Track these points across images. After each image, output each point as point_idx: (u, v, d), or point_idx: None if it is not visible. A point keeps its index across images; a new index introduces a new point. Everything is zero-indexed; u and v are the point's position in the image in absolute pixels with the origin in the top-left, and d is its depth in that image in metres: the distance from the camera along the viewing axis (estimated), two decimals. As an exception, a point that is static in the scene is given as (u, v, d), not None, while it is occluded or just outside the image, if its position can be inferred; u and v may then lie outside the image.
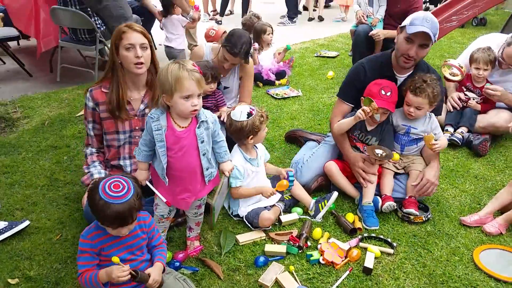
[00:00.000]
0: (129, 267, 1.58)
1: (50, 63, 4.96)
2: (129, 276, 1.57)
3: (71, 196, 2.60)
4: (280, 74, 4.73)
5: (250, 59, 3.12)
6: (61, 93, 4.27)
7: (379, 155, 2.42)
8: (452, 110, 3.39)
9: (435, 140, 2.42)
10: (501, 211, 2.44)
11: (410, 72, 2.55)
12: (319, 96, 4.37)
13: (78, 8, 4.25)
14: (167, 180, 1.93)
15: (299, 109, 4.05)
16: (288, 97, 4.32)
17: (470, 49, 3.52)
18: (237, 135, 2.33)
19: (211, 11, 8.11)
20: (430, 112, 2.55)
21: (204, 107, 3.05)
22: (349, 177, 2.65)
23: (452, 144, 3.23)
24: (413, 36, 2.35)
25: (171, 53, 4.83)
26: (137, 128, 2.27)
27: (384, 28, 4.41)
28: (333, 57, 5.70)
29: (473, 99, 3.35)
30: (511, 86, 3.25)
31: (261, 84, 4.64)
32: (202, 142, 1.93)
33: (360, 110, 2.38)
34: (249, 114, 2.29)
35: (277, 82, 4.67)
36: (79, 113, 3.72)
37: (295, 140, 3.32)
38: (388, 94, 2.40)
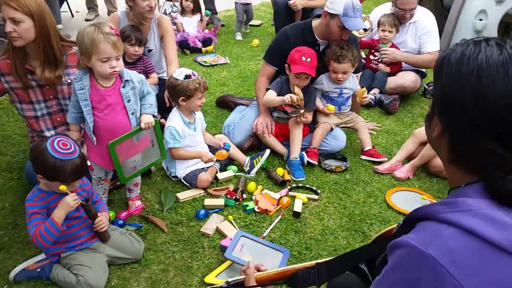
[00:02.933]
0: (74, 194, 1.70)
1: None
2: (79, 202, 1.70)
3: (3, 166, 2.54)
4: (206, 42, 4.79)
5: (166, 16, 3.19)
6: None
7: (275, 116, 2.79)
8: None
9: None
10: (408, 159, 2.82)
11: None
12: (245, 63, 4.52)
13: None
14: (94, 139, 1.99)
15: (227, 76, 4.18)
16: (216, 64, 4.42)
17: (371, 16, 3.87)
18: (171, 91, 2.45)
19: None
20: (353, 72, 2.84)
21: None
22: (277, 136, 2.88)
23: (366, 104, 3.60)
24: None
25: None
26: (51, 97, 2.21)
27: (302, -4, 4.64)
28: (257, 26, 5.86)
29: (382, 60, 3.72)
30: (408, 44, 3.66)
31: (188, 52, 4.68)
32: (129, 101, 2.00)
33: (288, 96, 2.58)
34: (187, 77, 2.40)
35: (203, 49, 4.73)
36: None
37: (226, 105, 3.47)
38: (309, 60, 2.62)
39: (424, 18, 3.62)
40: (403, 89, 3.67)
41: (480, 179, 0.85)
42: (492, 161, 0.83)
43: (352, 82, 2.89)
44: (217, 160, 2.62)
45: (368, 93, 3.63)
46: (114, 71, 1.89)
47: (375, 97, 3.63)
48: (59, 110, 2.23)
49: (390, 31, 3.58)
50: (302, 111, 2.66)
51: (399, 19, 3.57)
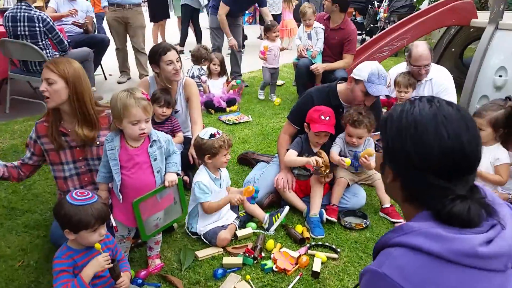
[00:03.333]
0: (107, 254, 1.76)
1: (-2, 95, 4.93)
2: (110, 261, 1.75)
3: (31, 224, 2.65)
4: (230, 102, 5.00)
5: (192, 80, 3.41)
6: (12, 124, 4.26)
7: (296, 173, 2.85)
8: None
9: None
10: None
11: None
12: (267, 121, 4.66)
13: (29, 41, 4.31)
14: (121, 196, 2.07)
15: (249, 133, 4.31)
16: (239, 123, 4.58)
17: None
18: (197, 150, 2.56)
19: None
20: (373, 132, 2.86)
21: (160, 133, 3.26)
22: (297, 192, 2.90)
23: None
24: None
25: None
26: (80, 158, 2.33)
27: (323, 58, 4.83)
28: (280, 85, 6.08)
29: None
30: None
31: (213, 111, 4.88)
32: (155, 160, 2.11)
33: (313, 159, 2.64)
34: (212, 135, 2.51)
35: (228, 109, 4.93)
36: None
37: (247, 162, 3.55)
38: (328, 118, 2.71)
39: (440, 75, 3.67)
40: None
41: (427, 208, 1.03)
42: (436, 192, 1.00)
43: (366, 146, 2.89)
44: (237, 217, 2.66)
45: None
46: (143, 133, 2.03)
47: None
48: (87, 171, 2.36)
49: (405, 92, 3.61)
50: (326, 172, 2.69)
51: (415, 76, 3.62)
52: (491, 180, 2.57)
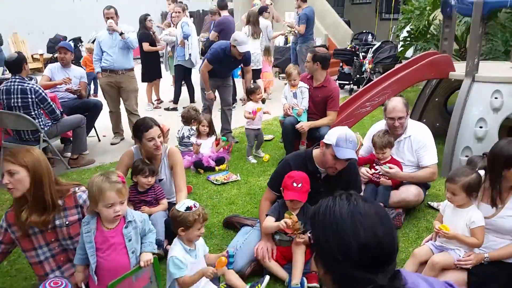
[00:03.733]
0: None
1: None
2: None
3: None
4: (219, 160, 5.09)
5: (175, 148, 3.51)
6: (2, 194, 4.32)
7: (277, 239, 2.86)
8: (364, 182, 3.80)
9: None
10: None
11: None
12: (256, 179, 4.73)
13: (22, 111, 4.48)
14: (96, 278, 2.12)
15: (237, 193, 4.36)
16: (227, 182, 4.64)
17: (369, 133, 4.04)
18: (172, 222, 2.58)
19: (154, 100, 8.54)
20: None
21: (145, 201, 3.33)
22: (278, 259, 2.91)
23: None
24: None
25: None
26: (52, 240, 2.38)
27: (308, 116, 4.97)
28: (269, 140, 6.20)
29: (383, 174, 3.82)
30: (407, 158, 3.77)
31: (202, 171, 4.96)
32: (130, 240, 2.16)
33: (282, 222, 2.72)
34: (188, 208, 2.55)
35: (217, 168, 5.02)
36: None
37: (232, 225, 3.58)
38: (299, 185, 2.77)
39: (418, 132, 3.78)
40: (406, 203, 3.70)
41: None
42: (360, 284, 1.09)
43: None
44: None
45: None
46: (117, 215, 2.10)
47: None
48: (62, 251, 2.40)
49: (383, 153, 3.70)
50: (298, 232, 2.72)
51: (390, 129, 3.74)
52: (468, 243, 2.60)
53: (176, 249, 2.57)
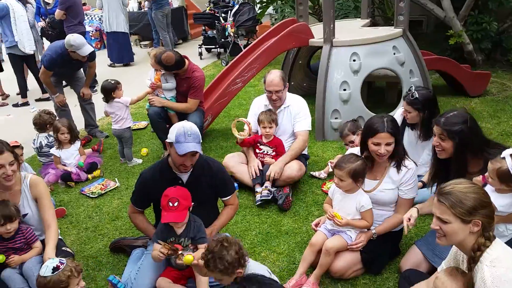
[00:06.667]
0: None
1: None
2: None
3: None
4: (91, 168, 4.56)
5: (39, 178, 3.04)
6: None
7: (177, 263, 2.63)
8: (254, 176, 3.85)
9: None
10: (312, 266, 2.86)
11: (191, 169, 2.79)
12: (135, 180, 4.34)
13: None
14: None
15: (119, 204, 3.98)
16: (106, 192, 4.20)
17: (252, 111, 4.18)
18: None
19: (-1, 95, 7.33)
20: None
21: (13, 249, 2.81)
22: (179, 280, 2.74)
23: (266, 202, 3.67)
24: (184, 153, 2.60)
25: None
26: None
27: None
28: (143, 128, 5.78)
29: (267, 152, 3.91)
30: (286, 127, 4.01)
31: (73, 184, 4.39)
32: None
33: (158, 252, 2.51)
34: (55, 269, 2.23)
35: (90, 176, 4.50)
36: None
37: (122, 250, 3.26)
38: (176, 204, 2.51)
39: (295, 103, 4.06)
40: (292, 179, 3.85)
41: None
42: None
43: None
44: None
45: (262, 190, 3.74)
46: None
47: (269, 190, 3.73)
48: None
49: (270, 127, 3.83)
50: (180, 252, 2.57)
51: (271, 103, 3.98)
52: (360, 226, 2.80)
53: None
